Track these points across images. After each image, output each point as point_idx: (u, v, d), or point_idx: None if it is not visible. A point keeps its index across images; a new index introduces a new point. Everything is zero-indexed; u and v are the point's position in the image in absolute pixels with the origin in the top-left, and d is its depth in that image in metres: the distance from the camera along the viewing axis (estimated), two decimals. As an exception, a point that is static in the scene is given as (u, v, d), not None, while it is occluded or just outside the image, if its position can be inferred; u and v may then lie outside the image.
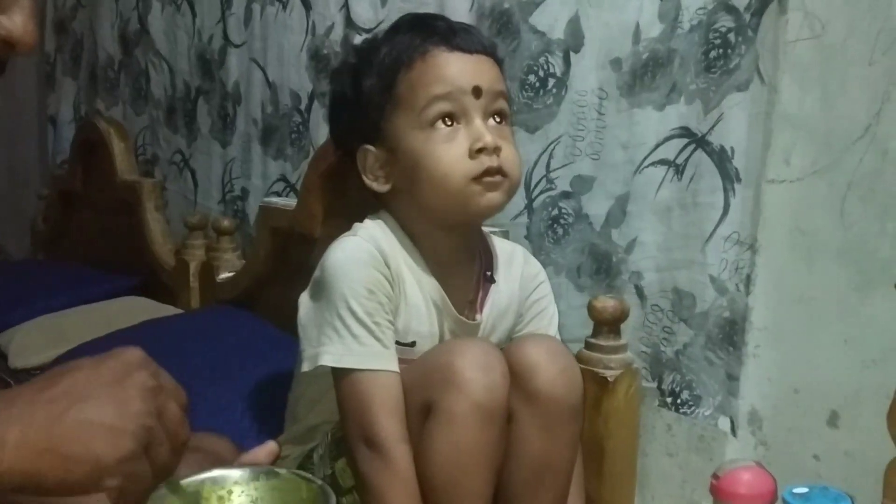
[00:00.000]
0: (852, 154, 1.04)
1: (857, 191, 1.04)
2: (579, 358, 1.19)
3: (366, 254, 0.94)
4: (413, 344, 0.97)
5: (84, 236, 2.49)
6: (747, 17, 1.11)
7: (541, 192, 1.38)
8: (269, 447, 0.89)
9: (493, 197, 0.94)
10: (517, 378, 0.90)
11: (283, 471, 0.77)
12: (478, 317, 1.01)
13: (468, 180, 0.93)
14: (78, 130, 2.53)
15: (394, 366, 0.93)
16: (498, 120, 0.96)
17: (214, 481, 0.72)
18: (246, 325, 1.67)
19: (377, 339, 0.92)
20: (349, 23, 1.66)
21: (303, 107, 1.82)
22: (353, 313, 0.92)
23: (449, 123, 0.94)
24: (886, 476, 1.04)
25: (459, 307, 0.99)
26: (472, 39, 0.97)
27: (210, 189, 2.13)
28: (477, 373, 0.86)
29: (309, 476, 0.75)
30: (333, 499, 0.70)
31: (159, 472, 0.61)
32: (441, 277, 0.98)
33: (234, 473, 0.74)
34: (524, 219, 1.41)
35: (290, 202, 1.67)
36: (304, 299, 0.98)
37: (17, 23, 0.62)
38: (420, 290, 0.97)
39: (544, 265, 1.37)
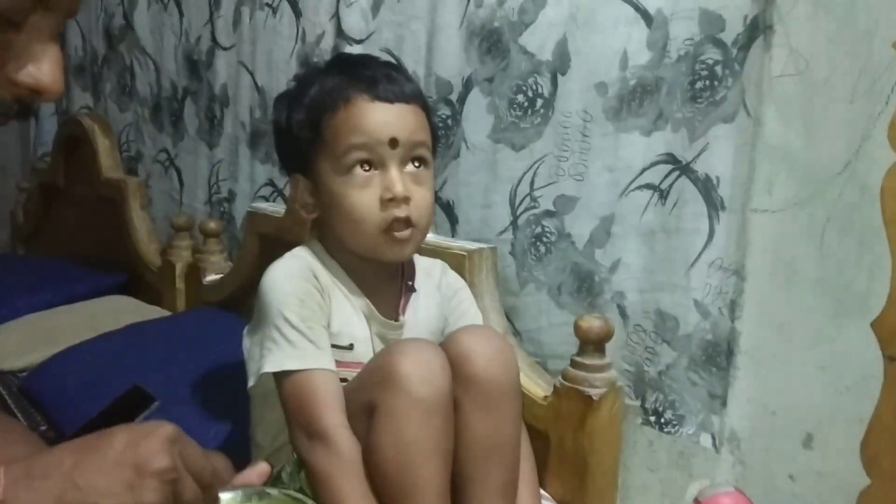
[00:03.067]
0: (832, 188, 1.08)
1: (836, 223, 1.08)
2: (565, 376, 1.22)
3: (295, 269, 1.04)
4: (351, 346, 1.05)
5: (65, 231, 2.48)
6: (734, 51, 1.14)
7: (525, 210, 1.41)
8: (261, 468, 0.91)
9: (400, 251, 1.05)
10: (455, 366, 0.95)
11: (274, 491, 0.79)
12: (401, 318, 1.10)
13: (379, 231, 1.02)
14: (61, 126, 2.51)
15: (329, 364, 1.00)
16: (417, 165, 1.04)
17: None
18: (234, 329, 1.66)
19: (311, 341, 1.00)
20: (339, 32, 1.66)
21: (292, 113, 1.82)
22: (287, 321, 1.00)
23: (366, 169, 1.02)
24: (859, 506, 1.08)
25: (385, 313, 1.08)
26: (395, 89, 1.04)
27: (196, 189, 2.12)
28: (414, 368, 0.91)
29: (299, 496, 0.78)
30: None
31: None
32: (367, 293, 1.07)
33: (227, 496, 0.76)
34: (509, 235, 1.43)
35: (278, 208, 1.67)
36: (247, 329, 1.07)
37: (46, 72, 0.65)
38: (349, 303, 1.06)
39: (526, 282, 1.41)
